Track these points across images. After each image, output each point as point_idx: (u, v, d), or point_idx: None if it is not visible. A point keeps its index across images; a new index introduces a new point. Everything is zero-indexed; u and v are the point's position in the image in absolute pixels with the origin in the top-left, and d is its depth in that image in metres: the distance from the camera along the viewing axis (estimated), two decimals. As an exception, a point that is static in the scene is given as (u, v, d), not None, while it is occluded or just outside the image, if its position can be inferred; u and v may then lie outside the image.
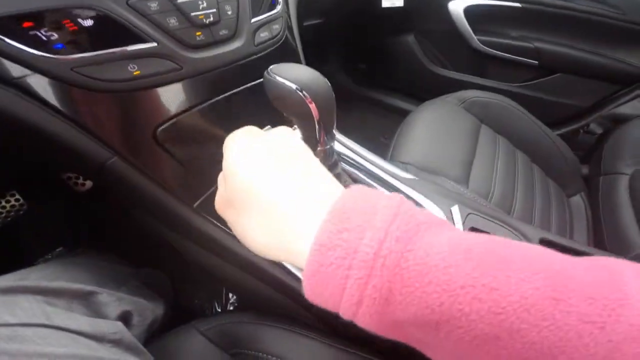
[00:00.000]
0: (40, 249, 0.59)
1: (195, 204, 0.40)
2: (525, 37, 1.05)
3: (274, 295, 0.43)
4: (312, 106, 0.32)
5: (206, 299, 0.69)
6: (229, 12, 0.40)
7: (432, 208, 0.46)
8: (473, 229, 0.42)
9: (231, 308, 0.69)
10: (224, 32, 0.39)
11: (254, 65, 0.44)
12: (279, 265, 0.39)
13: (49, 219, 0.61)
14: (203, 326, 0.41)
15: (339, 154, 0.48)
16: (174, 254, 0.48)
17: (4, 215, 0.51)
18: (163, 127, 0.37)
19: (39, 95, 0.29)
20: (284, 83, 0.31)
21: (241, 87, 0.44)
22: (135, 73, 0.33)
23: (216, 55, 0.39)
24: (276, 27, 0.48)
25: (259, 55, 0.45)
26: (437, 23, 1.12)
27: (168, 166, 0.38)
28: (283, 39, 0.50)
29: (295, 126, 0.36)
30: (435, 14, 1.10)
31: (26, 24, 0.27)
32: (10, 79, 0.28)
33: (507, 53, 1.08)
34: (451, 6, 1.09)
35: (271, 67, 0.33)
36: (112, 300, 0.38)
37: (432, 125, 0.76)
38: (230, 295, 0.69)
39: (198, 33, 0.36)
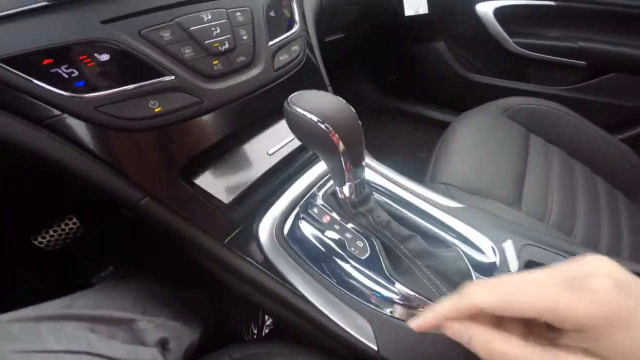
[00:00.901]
0: (93, 269, 0.64)
1: (226, 240, 0.39)
2: (566, 37, 0.95)
3: (308, 327, 0.40)
4: (335, 138, 0.29)
5: (243, 320, 0.68)
6: (245, 37, 0.38)
7: (482, 243, 0.39)
8: (530, 263, 0.36)
9: (267, 331, 0.68)
10: (241, 59, 0.38)
11: (276, 91, 0.43)
12: (314, 304, 0.36)
13: (101, 241, 0.64)
14: (236, 353, 0.40)
15: (370, 184, 0.44)
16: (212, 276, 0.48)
17: (63, 237, 0.55)
18: (189, 164, 0.36)
19: (68, 136, 0.30)
20: (304, 115, 0.29)
21: (265, 116, 0.43)
22: (156, 110, 0.32)
23: (236, 85, 0.38)
24: (295, 48, 0.47)
25: (279, 81, 0.44)
26: (466, 27, 1.06)
27: (197, 203, 0.38)
28: (304, 60, 0.48)
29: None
30: (463, 18, 1.04)
31: (46, 62, 0.27)
32: (41, 120, 0.29)
33: (548, 55, 0.99)
34: (479, 8, 1.02)
35: (291, 96, 0.31)
36: (151, 327, 0.39)
37: (474, 138, 0.69)
38: (267, 317, 0.68)
39: (215, 62, 0.36)
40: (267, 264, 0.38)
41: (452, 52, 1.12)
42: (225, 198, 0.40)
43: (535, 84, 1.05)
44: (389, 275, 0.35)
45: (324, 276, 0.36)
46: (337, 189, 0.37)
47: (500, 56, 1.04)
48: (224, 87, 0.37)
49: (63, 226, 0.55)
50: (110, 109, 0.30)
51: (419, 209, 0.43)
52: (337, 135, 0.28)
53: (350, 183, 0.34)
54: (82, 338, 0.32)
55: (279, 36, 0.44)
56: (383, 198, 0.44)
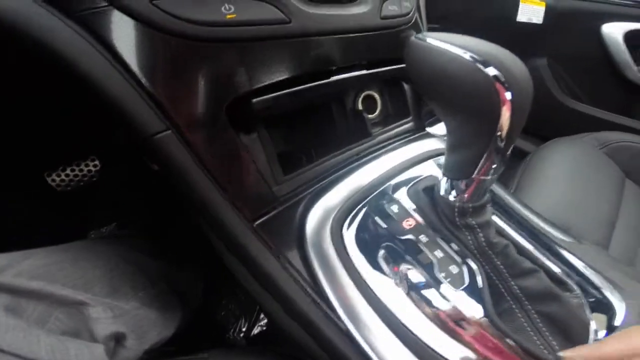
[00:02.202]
0: (96, 221, 0.56)
1: (257, 222, 0.29)
2: None
3: (313, 346, 0.29)
4: (506, 100, 0.18)
5: (233, 314, 0.60)
6: None
7: (609, 291, 0.29)
8: None
9: (257, 331, 0.59)
10: (348, -12, 0.29)
11: (375, 42, 0.33)
12: (363, 347, 0.24)
13: (114, 192, 0.57)
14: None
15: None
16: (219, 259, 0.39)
17: (78, 179, 0.48)
18: (241, 101, 0.27)
19: (104, 36, 0.22)
20: (451, 51, 0.19)
21: (359, 69, 0.33)
22: (229, 16, 0.24)
23: (334, 16, 0.29)
24: (406, 4, 0.37)
25: (384, 31, 0.34)
26: (581, 47, 0.90)
27: (234, 158, 0.28)
28: (413, 20, 0.38)
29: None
30: (582, 36, 0.89)
31: None
32: (75, 11, 0.21)
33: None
34: (605, 29, 0.87)
35: (423, 33, 0.21)
36: (107, 317, 0.29)
37: (566, 169, 0.61)
38: (261, 316, 0.59)
39: (319, -19, 0.26)
40: (305, 271, 0.27)
41: (553, 71, 0.96)
42: (275, 164, 0.30)
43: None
44: (492, 319, 0.24)
45: (389, 308, 0.25)
46: (444, 183, 0.26)
47: (613, 84, 0.90)
48: (321, 13, 0.28)
49: (82, 167, 0.48)
50: (169, 4, 0.22)
51: (535, 235, 0.31)
52: (509, 93, 0.17)
53: (477, 177, 0.22)
54: None
55: None
56: (496, 217, 0.32)
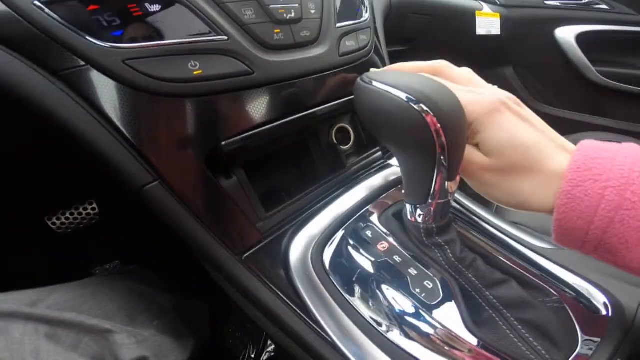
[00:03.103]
0: (98, 260, 0.58)
1: (246, 255, 0.31)
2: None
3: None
4: (434, 128, 0.20)
5: (242, 341, 0.61)
6: (313, 12, 0.33)
7: (591, 293, 0.30)
8: None
9: (265, 357, 0.60)
10: (305, 33, 0.32)
11: (336, 79, 0.36)
12: (331, 344, 0.26)
13: (115, 231, 0.60)
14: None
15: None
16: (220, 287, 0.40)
17: (78, 221, 0.50)
18: (219, 149, 0.29)
19: (84, 92, 0.24)
20: (388, 92, 0.21)
21: (323, 106, 0.35)
22: (195, 72, 0.26)
23: (295, 61, 0.31)
24: (363, 37, 0.40)
25: (344, 68, 0.36)
26: (541, 53, 0.96)
27: (217, 201, 0.30)
28: (372, 52, 0.41)
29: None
30: (539, 43, 0.95)
31: (91, 7, 0.23)
32: (58, 71, 0.23)
33: (636, 86, 0.86)
34: (559, 33, 0.92)
35: (367, 73, 0.24)
36: (131, 343, 0.33)
37: None
38: (269, 343, 0.60)
39: (277, 30, 0.29)
40: (293, 295, 0.29)
41: (521, 79, 1.01)
42: (257, 204, 0.32)
43: (616, 119, 0.91)
44: (467, 330, 0.25)
45: (372, 324, 0.26)
46: (408, 208, 0.28)
47: (578, 86, 0.94)
48: (281, 60, 0.30)
49: (81, 210, 0.50)
50: (139, 64, 0.24)
51: (507, 245, 0.32)
52: (438, 124, 0.20)
53: (433, 201, 0.24)
54: (29, 345, 0.26)
55: (348, 21, 0.38)
56: (464, 230, 0.33)
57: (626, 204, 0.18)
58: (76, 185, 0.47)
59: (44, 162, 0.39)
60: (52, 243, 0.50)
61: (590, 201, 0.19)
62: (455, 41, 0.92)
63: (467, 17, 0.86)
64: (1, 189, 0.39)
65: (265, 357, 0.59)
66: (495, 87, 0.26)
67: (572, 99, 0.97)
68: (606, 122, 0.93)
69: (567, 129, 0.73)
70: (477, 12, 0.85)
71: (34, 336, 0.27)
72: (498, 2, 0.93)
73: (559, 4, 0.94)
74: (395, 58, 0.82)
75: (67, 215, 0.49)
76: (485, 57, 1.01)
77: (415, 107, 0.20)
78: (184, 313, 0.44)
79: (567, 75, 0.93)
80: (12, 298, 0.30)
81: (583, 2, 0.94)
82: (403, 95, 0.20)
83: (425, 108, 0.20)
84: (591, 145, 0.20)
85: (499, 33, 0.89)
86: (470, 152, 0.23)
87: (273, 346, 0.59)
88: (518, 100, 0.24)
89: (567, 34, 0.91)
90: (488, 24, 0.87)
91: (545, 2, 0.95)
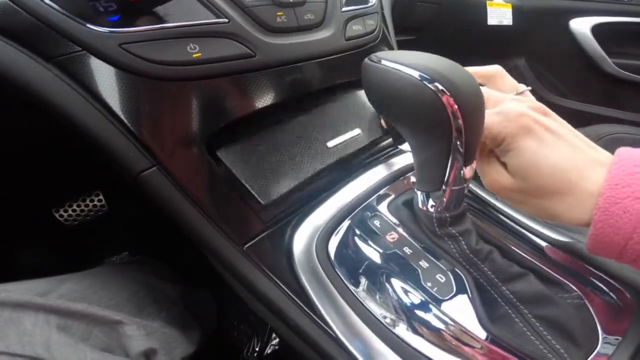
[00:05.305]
0: (108, 251, 0.59)
1: (247, 245, 0.29)
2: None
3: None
4: (451, 108, 0.18)
5: (246, 334, 0.61)
6: None
7: (612, 288, 0.28)
8: None
9: (269, 350, 0.59)
10: (309, 16, 0.31)
11: (342, 64, 0.34)
12: (334, 338, 0.25)
13: (122, 222, 0.60)
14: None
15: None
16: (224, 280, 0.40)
17: (85, 213, 0.51)
18: (219, 134, 0.28)
19: (79, 77, 0.23)
20: (399, 70, 0.19)
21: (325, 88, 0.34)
22: (194, 55, 0.25)
23: (298, 44, 0.30)
24: (370, 22, 0.38)
25: (349, 52, 0.35)
26: (554, 44, 0.93)
27: (218, 188, 0.29)
28: (379, 37, 0.40)
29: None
30: (553, 34, 0.92)
31: None
32: (52, 57, 0.23)
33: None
34: (573, 25, 0.89)
35: (376, 52, 0.22)
36: (140, 334, 0.33)
37: None
38: (273, 336, 0.59)
39: (280, 13, 0.28)
40: (297, 288, 0.27)
41: (534, 70, 0.98)
42: (259, 191, 0.31)
43: (632, 111, 0.88)
44: (481, 326, 0.24)
45: (380, 319, 0.25)
46: (420, 196, 0.26)
47: (592, 78, 0.90)
48: (284, 43, 0.29)
49: (88, 202, 0.50)
50: (136, 47, 0.23)
51: (526, 238, 0.30)
52: (455, 105, 0.18)
53: (447, 188, 0.23)
54: (40, 337, 0.26)
55: (354, 5, 0.36)
56: (480, 221, 0.32)
57: None
58: (79, 174, 0.47)
59: (47, 154, 0.39)
60: (61, 237, 0.50)
61: (629, 218, 0.19)
62: (465, 31, 0.89)
63: (478, 7, 0.83)
64: (8, 184, 0.39)
65: (270, 351, 0.58)
66: (517, 97, 0.25)
67: (586, 90, 0.94)
68: (621, 114, 0.90)
69: (581, 121, 0.71)
70: (488, 1, 0.83)
71: (45, 327, 0.27)
72: (509, -8, 0.90)
73: (573, -6, 0.91)
74: (403, 48, 0.79)
75: (75, 207, 0.49)
76: (497, 48, 0.98)
77: (430, 86, 0.18)
78: (191, 304, 0.44)
79: (581, 67, 0.90)
80: (24, 287, 0.29)
81: (599, -8, 0.91)
82: (416, 74, 0.19)
83: (441, 87, 0.18)
84: (630, 158, 0.20)
85: (511, 23, 0.86)
86: (495, 170, 0.23)
87: (277, 339, 0.58)
88: (545, 109, 0.24)
89: (582, 26, 0.88)
90: (500, 14, 0.84)
91: (560, -8, 0.92)
